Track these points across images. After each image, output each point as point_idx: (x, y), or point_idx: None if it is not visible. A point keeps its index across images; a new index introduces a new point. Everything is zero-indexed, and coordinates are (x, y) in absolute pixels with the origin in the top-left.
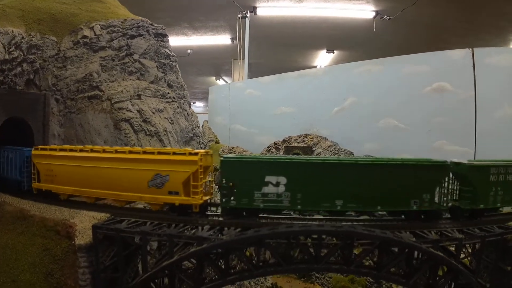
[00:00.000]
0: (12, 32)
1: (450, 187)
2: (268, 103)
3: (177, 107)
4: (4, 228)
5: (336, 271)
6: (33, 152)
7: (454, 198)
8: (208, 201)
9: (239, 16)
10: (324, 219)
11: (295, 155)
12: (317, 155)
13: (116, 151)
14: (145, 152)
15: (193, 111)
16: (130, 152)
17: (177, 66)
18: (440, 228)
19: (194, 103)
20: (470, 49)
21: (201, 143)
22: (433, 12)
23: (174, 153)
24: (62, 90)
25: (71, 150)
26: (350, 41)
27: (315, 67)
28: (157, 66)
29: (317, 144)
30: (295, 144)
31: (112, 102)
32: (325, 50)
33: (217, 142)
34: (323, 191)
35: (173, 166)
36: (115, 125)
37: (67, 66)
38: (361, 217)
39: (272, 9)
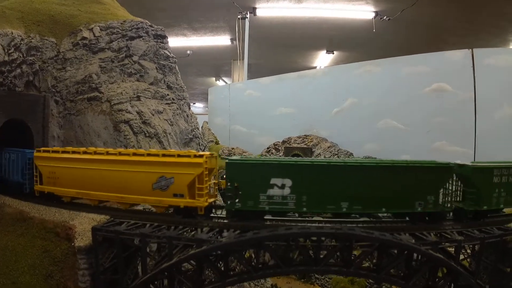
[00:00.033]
0: (12, 33)
1: (454, 189)
2: (268, 104)
3: (177, 108)
4: (4, 230)
5: (335, 273)
6: (35, 154)
7: (458, 199)
8: (213, 203)
9: (238, 17)
10: (323, 221)
11: (295, 157)
12: (316, 156)
13: (120, 153)
14: (149, 155)
15: (192, 113)
16: (134, 154)
17: (177, 67)
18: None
19: (193, 104)
20: (470, 49)
21: (200, 144)
22: (433, 12)
23: (179, 156)
24: (61, 91)
25: (74, 152)
26: (350, 41)
27: (315, 67)
28: (156, 68)
29: (317, 145)
30: (295, 145)
31: (112, 103)
32: (324, 51)
33: (217, 143)
34: (328, 193)
35: (178, 168)
36: (114, 126)
37: (67, 68)
38: (361, 219)
39: (271, 10)
